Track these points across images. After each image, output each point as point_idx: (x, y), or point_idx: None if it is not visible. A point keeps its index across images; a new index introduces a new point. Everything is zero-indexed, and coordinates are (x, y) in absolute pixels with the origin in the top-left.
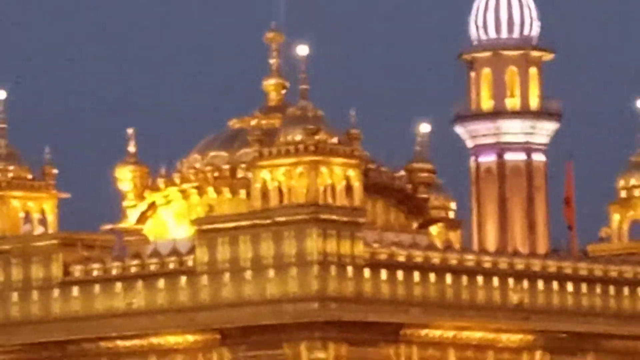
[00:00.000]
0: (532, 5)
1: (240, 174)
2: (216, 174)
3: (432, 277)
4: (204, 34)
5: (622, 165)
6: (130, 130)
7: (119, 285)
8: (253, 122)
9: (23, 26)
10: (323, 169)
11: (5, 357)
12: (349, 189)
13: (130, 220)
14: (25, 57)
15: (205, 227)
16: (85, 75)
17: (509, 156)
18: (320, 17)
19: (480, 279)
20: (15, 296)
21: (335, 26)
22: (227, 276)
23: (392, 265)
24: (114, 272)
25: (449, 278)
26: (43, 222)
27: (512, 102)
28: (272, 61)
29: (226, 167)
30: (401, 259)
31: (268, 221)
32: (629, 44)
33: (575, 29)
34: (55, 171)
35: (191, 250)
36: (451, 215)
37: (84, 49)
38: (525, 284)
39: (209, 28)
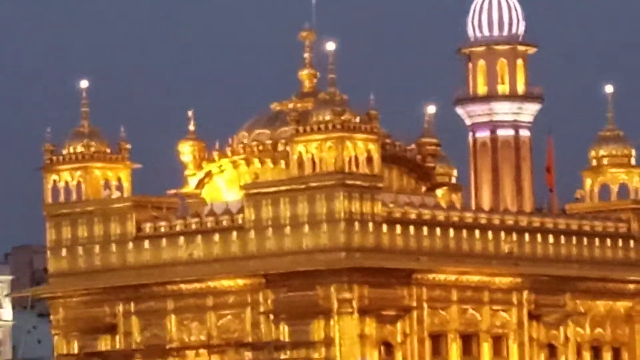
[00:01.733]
0: (519, 8)
1: (280, 147)
2: (260, 148)
3: (438, 231)
4: (253, 34)
5: (593, 139)
6: (190, 112)
7: (181, 239)
8: (290, 105)
9: (97, 25)
10: (348, 143)
11: (89, 298)
12: (369, 159)
13: (190, 186)
14: (102, 51)
15: (251, 191)
16: (154, 68)
17: (500, 132)
18: (345, 18)
19: (477, 232)
20: (97, 248)
21: (357, 26)
22: (270, 231)
23: (405, 222)
24: (178, 228)
25: (451, 232)
26: (119, 188)
27: (503, 88)
28: (305, 55)
29: (269, 142)
30: (412, 216)
31: (303, 186)
32: (599, 39)
33: (554, 27)
34: (128, 146)
35: (240, 210)
36: (453, 180)
37: (154, 46)
38: (514, 236)
39: (257, 29)
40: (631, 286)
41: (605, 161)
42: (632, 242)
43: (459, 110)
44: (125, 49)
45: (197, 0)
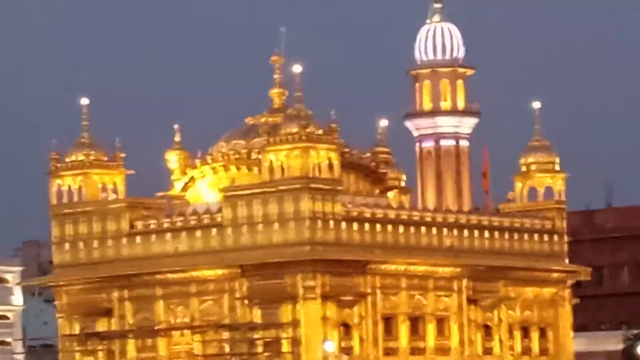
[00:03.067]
0: (459, 35)
1: (253, 156)
2: (237, 156)
3: (389, 227)
4: (230, 58)
5: (523, 148)
6: (176, 125)
7: (168, 235)
8: (262, 120)
9: (97, 48)
10: (312, 152)
11: (89, 286)
12: (330, 166)
13: (176, 189)
14: (101, 71)
15: (229, 193)
16: (146, 88)
17: (443, 142)
18: (310, 44)
19: (423, 228)
20: (95, 243)
21: (321, 51)
22: (244, 228)
23: (361, 220)
24: (165, 225)
25: (401, 228)
26: (115, 191)
27: (445, 105)
28: (275, 76)
29: (244, 151)
30: (367, 215)
31: (273, 189)
32: (528, 61)
33: (490, 51)
34: (123, 155)
35: (219, 210)
36: (402, 184)
37: (148, 69)
38: (455, 232)
39: (234, 53)
40: (555, 275)
41: (533, 167)
42: (555, 237)
43: (408, 124)
44: (122, 72)
45: (183, 28)
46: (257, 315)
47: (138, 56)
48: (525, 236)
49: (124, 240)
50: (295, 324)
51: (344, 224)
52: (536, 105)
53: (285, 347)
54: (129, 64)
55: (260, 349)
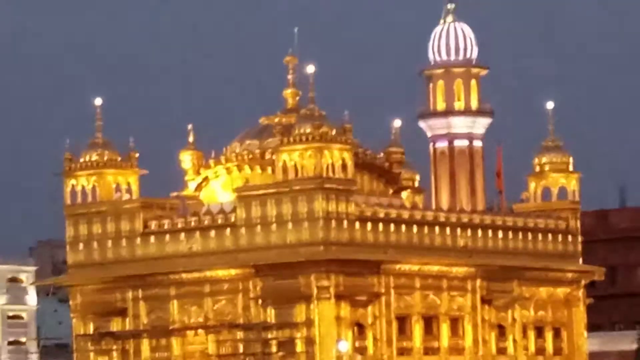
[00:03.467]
0: (472, 35)
1: (267, 156)
2: (250, 156)
3: (403, 227)
4: (245, 59)
5: (536, 148)
6: (190, 126)
7: (182, 235)
8: (276, 120)
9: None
10: (326, 152)
11: (103, 285)
12: (344, 166)
13: (190, 189)
14: (115, 72)
15: (243, 193)
16: (161, 89)
17: (456, 142)
18: (323, 45)
19: (437, 228)
20: (109, 243)
21: (335, 51)
22: (258, 228)
23: (374, 220)
24: (179, 225)
25: (415, 228)
26: (129, 190)
27: (459, 104)
28: (289, 76)
29: (257, 151)
30: (381, 215)
31: (287, 189)
32: (542, 62)
33: (504, 51)
34: (137, 155)
35: (233, 210)
36: (416, 184)
37: (163, 70)
38: (469, 232)
39: (248, 54)
40: (569, 275)
41: (547, 167)
42: (569, 237)
43: (421, 124)
44: (138, 74)
45: (199, 32)
46: (271, 315)
47: (152, 55)
48: (539, 236)
49: (138, 240)
50: (309, 323)
51: (357, 224)
52: (550, 105)
53: (299, 346)
54: (143, 64)
55: (274, 349)
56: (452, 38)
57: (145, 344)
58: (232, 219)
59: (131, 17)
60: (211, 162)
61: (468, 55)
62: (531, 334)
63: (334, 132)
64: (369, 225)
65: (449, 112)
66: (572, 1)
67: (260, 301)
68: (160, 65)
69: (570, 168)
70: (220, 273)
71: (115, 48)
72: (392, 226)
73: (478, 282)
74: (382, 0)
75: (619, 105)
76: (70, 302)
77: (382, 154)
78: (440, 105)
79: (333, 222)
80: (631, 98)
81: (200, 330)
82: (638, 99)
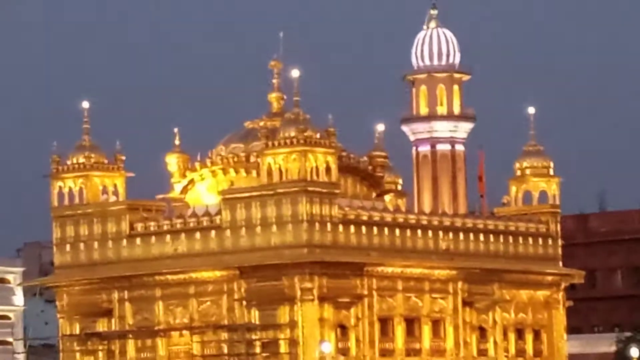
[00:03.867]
0: (455, 41)
1: (252, 159)
2: (235, 159)
3: (385, 230)
4: (229, 63)
5: (518, 153)
6: (175, 129)
7: (168, 237)
8: (261, 124)
9: (99, 54)
10: (310, 156)
11: (89, 286)
12: (328, 169)
13: (175, 191)
14: (104, 76)
15: (228, 196)
16: (147, 92)
17: (439, 147)
18: (307, 50)
19: (419, 231)
20: (96, 244)
21: (319, 55)
22: (243, 230)
23: (358, 222)
24: (165, 227)
25: (397, 231)
26: (115, 193)
27: (441, 109)
28: (274, 80)
29: (242, 154)
30: (364, 218)
31: (271, 192)
32: (523, 68)
33: (486, 57)
34: (123, 157)
35: (218, 212)
36: (399, 187)
37: (149, 73)
38: (451, 235)
39: (233, 59)
40: (549, 278)
41: (528, 172)
42: (550, 240)
43: (404, 128)
44: (124, 74)
45: (182, 30)
46: (255, 316)
47: (138, 58)
48: (520, 239)
49: (124, 242)
50: (292, 325)
51: (341, 227)
52: (531, 110)
53: (283, 348)
54: (128, 66)
55: (258, 350)
56: (435, 43)
57: (130, 345)
58: (217, 221)
59: (130, 18)
60: (197, 164)
61: (451, 61)
62: (512, 336)
63: (318, 135)
64: (352, 228)
65: (431, 116)
66: (553, 13)
67: (244, 303)
68: (146, 67)
69: (551, 172)
70: (205, 275)
71: (103, 51)
72: (374, 229)
73: (459, 284)
74: (366, 4)
75: (599, 110)
76: (57, 303)
77: (365, 158)
78: (423, 110)
79: (317, 225)
80: (612, 103)
81: (185, 331)
82: (618, 104)
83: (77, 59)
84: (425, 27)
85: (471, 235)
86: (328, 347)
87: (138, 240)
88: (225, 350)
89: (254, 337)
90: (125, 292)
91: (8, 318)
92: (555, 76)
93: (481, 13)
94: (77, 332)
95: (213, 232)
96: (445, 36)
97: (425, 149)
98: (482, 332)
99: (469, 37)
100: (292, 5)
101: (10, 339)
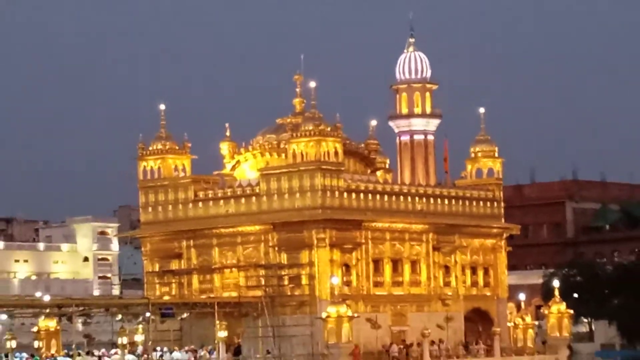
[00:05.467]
0: (427, 61)
1: (282, 146)
2: (270, 146)
3: (377, 196)
4: (266, 76)
5: (472, 141)
6: (227, 124)
7: (221, 202)
8: (288, 120)
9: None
10: (323, 144)
11: (165, 237)
12: (336, 153)
13: (227, 169)
14: (174, 83)
15: (264, 172)
16: (210, 97)
17: (415, 137)
18: (321, 65)
19: (401, 197)
20: (170, 207)
21: (331, 70)
22: (275, 197)
23: (357, 191)
24: (219, 194)
25: (385, 197)
26: (183, 170)
27: (417, 110)
28: (297, 89)
29: (275, 142)
30: (362, 187)
31: (295, 169)
32: (478, 79)
33: (450, 72)
34: (189, 144)
35: (257, 184)
36: (387, 166)
37: (209, 82)
38: (424, 199)
39: (268, 72)
40: (494, 230)
41: (479, 154)
42: (495, 204)
43: (390, 123)
44: (190, 82)
45: (232, 55)
46: (284, 258)
47: (204, 70)
48: (474, 203)
49: (190, 205)
50: (311, 264)
51: (345, 194)
52: (481, 110)
53: (304, 280)
54: (200, 79)
55: (286, 282)
56: (412, 63)
57: (195, 278)
58: (257, 190)
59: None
60: (242, 150)
61: (424, 75)
62: (468, 272)
63: (328, 129)
64: (353, 195)
65: (410, 115)
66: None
67: (276, 248)
68: (209, 79)
69: (496, 155)
70: (248, 228)
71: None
72: (369, 195)
73: (430, 235)
74: (364, 35)
75: (530, 106)
76: (142, 249)
77: (362, 145)
78: (404, 110)
79: (328, 193)
80: (540, 100)
81: (234, 269)
82: (547, 101)
83: (163, 66)
84: (405, 51)
85: (439, 200)
86: (336, 280)
87: (200, 204)
88: (263, 282)
89: (282, 273)
90: (191, 241)
91: (107, 260)
92: (500, 83)
93: (447, 39)
94: (157, 269)
95: (253, 198)
96: (420, 57)
97: (405, 138)
98: (447, 269)
99: (437, 56)
100: (313, 34)
101: (109, 275)
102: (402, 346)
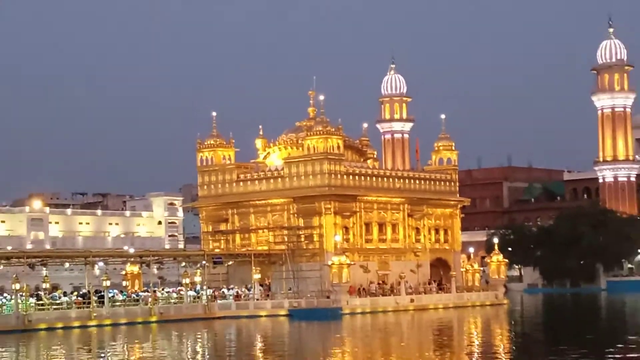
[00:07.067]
0: (404, 81)
1: (300, 142)
2: (291, 142)
3: (368, 178)
4: (290, 92)
5: (435, 139)
6: (260, 126)
7: (256, 182)
8: (304, 123)
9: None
10: (329, 140)
11: (216, 207)
12: (338, 147)
13: (260, 158)
14: (228, 90)
15: (287, 160)
16: (243, 106)
17: (395, 135)
18: (331, 83)
19: (385, 178)
20: (220, 185)
21: (335, 86)
22: (295, 178)
23: (354, 174)
24: (254, 176)
25: (374, 178)
26: (229, 159)
27: (397, 116)
28: (311, 101)
29: (295, 139)
30: (357, 171)
31: (309, 158)
32: (441, 93)
33: (416, 87)
34: (233, 140)
35: (282, 168)
36: (375, 156)
37: (245, 93)
38: (402, 180)
39: (290, 89)
40: (451, 202)
41: (441, 148)
42: (452, 183)
43: (377, 126)
44: (237, 95)
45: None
46: (301, 222)
47: (244, 84)
48: (437, 182)
49: (234, 184)
50: (320, 226)
51: (345, 176)
52: (442, 116)
53: (316, 238)
54: (239, 89)
55: (302, 239)
56: (393, 83)
57: (237, 236)
58: (282, 173)
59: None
60: (271, 144)
61: (401, 91)
62: (432, 232)
63: (333, 129)
64: (351, 177)
65: (391, 120)
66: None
67: (295, 215)
68: (247, 91)
69: (453, 148)
70: (275, 201)
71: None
72: (362, 177)
73: (406, 206)
74: (360, 61)
75: (477, 113)
76: (199, 215)
77: (357, 141)
78: (387, 116)
79: (332, 175)
80: (487, 104)
81: (265, 230)
82: (494, 105)
83: (210, 83)
84: (388, 73)
85: (412, 181)
86: (338, 238)
87: (241, 184)
88: (286, 240)
89: (300, 233)
90: (234, 209)
91: (175, 223)
92: (457, 96)
93: (418, 64)
94: (210, 230)
95: (279, 179)
96: (399, 78)
97: (388, 136)
98: (417, 230)
99: (411, 78)
100: (324, 60)
101: (176, 234)
102: (379, 283)
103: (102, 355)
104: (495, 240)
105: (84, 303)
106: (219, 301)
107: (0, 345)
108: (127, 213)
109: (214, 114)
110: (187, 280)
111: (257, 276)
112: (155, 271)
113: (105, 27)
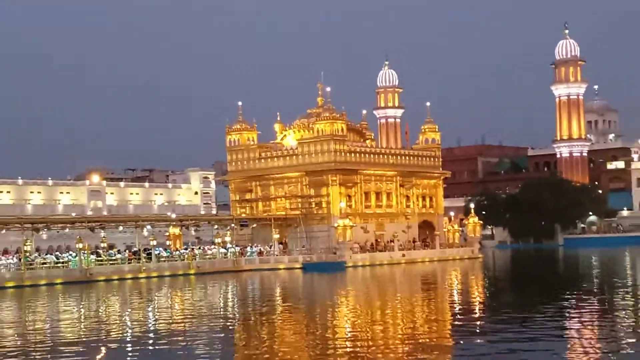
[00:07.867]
0: (395, 74)
1: (311, 126)
2: (304, 126)
3: (366, 155)
4: (303, 85)
5: (422, 122)
6: (278, 113)
7: (275, 158)
8: (314, 110)
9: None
10: (334, 124)
11: (242, 179)
12: (342, 129)
13: (278, 139)
14: (251, 81)
15: (301, 141)
16: (262, 98)
17: (389, 120)
18: (334, 79)
19: (381, 155)
20: (245, 162)
21: (341, 79)
22: (307, 155)
23: (355, 152)
24: (274, 154)
25: (372, 155)
26: (252, 140)
27: (391, 104)
28: (320, 92)
29: (307, 123)
30: (358, 149)
31: (319, 139)
32: (426, 84)
33: (411, 81)
34: (256, 125)
35: (297, 148)
36: (373, 137)
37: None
38: (395, 157)
39: (303, 83)
40: (435, 174)
41: (427, 130)
42: (436, 159)
43: (375, 112)
44: (258, 86)
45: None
46: (312, 192)
47: (264, 77)
48: (424, 159)
49: (257, 161)
50: (327, 195)
51: (348, 154)
52: (428, 104)
53: (324, 205)
54: (260, 81)
55: (313, 206)
56: (387, 77)
57: (260, 204)
58: (296, 152)
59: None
60: (287, 128)
61: (394, 83)
62: (420, 199)
63: (338, 115)
64: (353, 154)
65: (386, 107)
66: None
67: (307, 186)
68: (267, 83)
69: (437, 130)
70: (291, 174)
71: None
72: (362, 155)
73: (398, 178)
74: (359, 62)
75: (458, 99)
76: (229, 187)
77: (358, 125)
78: (382, 104)
79: (337, 153)
80: (467, 94)
81: (283, 198)
82: (469, 96)
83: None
84: (383, 68)
85: (403, 157)
86: (342, 204)
87: (262, 160)
88: (299, 206)
89: (311, 200)
90: (257, 182)
91: (208, 193)
92: (440, 85)
93: (410, 60)
94: (237, 199)
95: (294, 157)
96: (392, 73)
97: (383, 121)
98: (408, 198)
99: (402, 72)
100: (331, 59)
101: (209, 202)
102: (373, 241)
103: (151, 300)
104: (472, 205)
105: (135, 259)
106: (245, 257)
107: (68, 293)
108: (170, 185)
109: (240, 103)
110: (219, 240)
111: (276, 236)
112: (193, 232)
113: (157, 24)
